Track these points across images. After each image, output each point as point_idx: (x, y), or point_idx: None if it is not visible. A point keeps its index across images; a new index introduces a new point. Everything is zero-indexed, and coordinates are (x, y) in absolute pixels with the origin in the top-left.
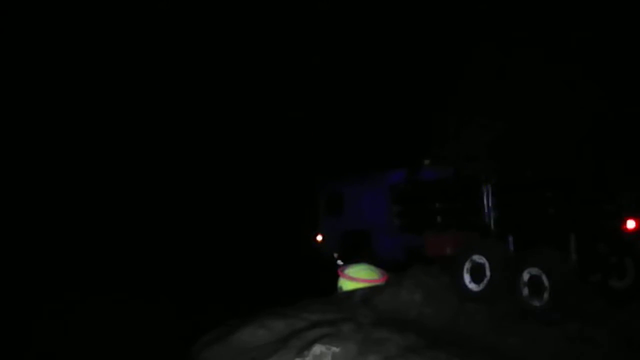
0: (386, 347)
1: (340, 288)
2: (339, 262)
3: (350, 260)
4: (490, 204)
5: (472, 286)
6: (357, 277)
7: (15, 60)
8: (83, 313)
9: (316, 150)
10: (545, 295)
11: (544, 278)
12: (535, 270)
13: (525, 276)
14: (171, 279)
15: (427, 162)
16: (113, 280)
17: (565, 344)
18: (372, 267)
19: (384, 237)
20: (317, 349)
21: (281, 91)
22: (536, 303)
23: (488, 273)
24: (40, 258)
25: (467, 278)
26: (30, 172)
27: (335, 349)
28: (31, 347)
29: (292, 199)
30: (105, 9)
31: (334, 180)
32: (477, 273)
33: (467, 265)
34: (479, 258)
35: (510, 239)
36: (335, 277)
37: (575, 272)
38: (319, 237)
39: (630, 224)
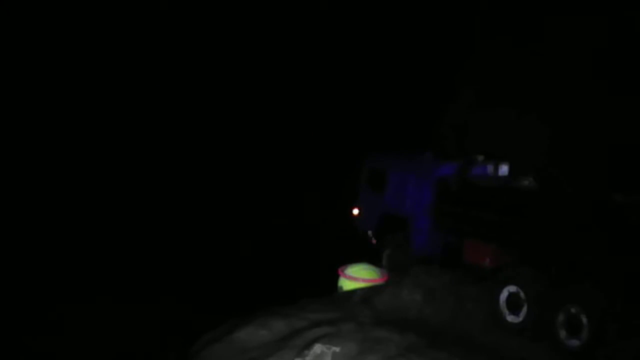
0: (386, 347)
1: (341, 287)
2: (373, 240)
3: (383, 242)
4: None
5: (511, 318)
6: (357, 277)
7: (15, 60)
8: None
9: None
10: (584, 336)
11: (584, 318)
12: (575, 308)
13: (563, 315)
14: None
15: (480, 158)
16: (113, 281)
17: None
18: (373, 267)
19: (422, 229)
20: (318, 348)
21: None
22: (574, 342)
23: (525, 305)
24: (33, 259)
25: (504, 307)
26: (29, 173)
27: (335, 349)
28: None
29: (336, 167)
30: (105, 8)
31: (381, 155)
32: (514, 304)
33: (504, 295)
34: (514, 288)
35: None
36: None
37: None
38: (356, 211)
39: None
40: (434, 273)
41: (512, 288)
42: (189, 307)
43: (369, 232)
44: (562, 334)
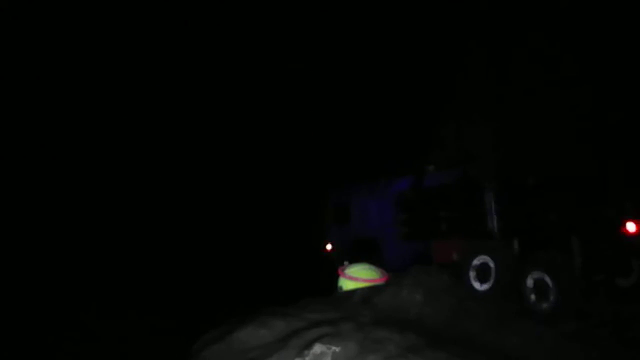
0: (386, 347)
1: (341, 288)
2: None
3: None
4: (493, 210)
5: (478, 285)
6: (357, 277)
7: (15, 60)
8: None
9: (323, 159)
10: (552, 298)
11: (549, 280)
12: (540, 273)
13: (530, 280)
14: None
15: (431, 168)
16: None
17: (565, 343)
18: (373, 267)
19: (392, 244)
20: (318, 348)
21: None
22: (543, 305)
23: (494, 274)
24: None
25: (473, 277)
26: (26, 174)
27: (335, 349)
28: None
29: (301, 210)
30: (104, 8)
31: (341, 190)
32: (483, 273)
33: (474, 265)
34: (485, 259)
35: (515, 242)
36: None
37: (580, 273)
38: (329, 246)
39: (631, 227)
40: (433, 273)
41: (483, 257)
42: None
43: (345, 263)
44: (532, 298)
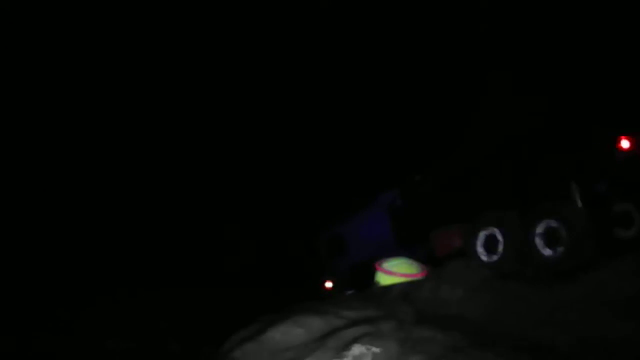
0: (429, 347)
1: (378, 282)
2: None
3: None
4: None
5: (486, 257)
6: (395, 271)
7: (14, 60)
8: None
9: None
10: (563, 244)
11: (559, 225)
12: (548, 222)
13: (540, 229)
14: None
15: (417, 177)
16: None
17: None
18: (411, 261)
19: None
20: (357, 349)
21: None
22: (553, 254)
23: (502, 243)
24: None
25: (481, 251)
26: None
27: (375, 350)
28: None
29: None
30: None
31: (331, 225)
32: (491, 245)
33: (481, 239)
34: (491, 230)
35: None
36: None
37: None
38: (328, 284)
39: (625, 144)
40: (473, 267)
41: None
42: None
43: (348, 293)
44: (541, 248)
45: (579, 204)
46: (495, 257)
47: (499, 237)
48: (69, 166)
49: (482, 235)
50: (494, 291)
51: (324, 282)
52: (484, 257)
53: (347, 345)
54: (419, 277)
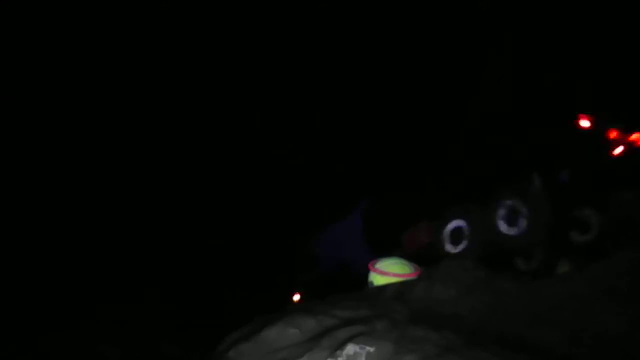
0: (423, 347)
1: (371, 282)
2: None
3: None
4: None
5: (451, 248)
6: (388, 271)
7: (14, 60)
8: None
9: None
10: (521, 222)
11: (519, 204)
12: (510, 201)
13: (501, 210)
14: None
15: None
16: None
17: (609, 339)
18: (404, 261)
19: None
20: (351, 348)
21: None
22: (513, 231)
23: (467, 231)
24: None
25: (447, 242)
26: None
27: (369, 349)
28: None
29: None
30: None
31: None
32: (457, 235)
33: (447, 231)
34: (458, 223)
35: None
36: None
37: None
38: (296, 297)
39: (584, 123)
40: (467, 266)
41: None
42: None
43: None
44: (503, 225)
45: (539, 186)
46: (461, 247)
47: (465, 228)
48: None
49: (448, 228)
50: (488, 290)
51: (292, 294)
52: (451, 249)
53: (341, 345)
54: (412, 276)
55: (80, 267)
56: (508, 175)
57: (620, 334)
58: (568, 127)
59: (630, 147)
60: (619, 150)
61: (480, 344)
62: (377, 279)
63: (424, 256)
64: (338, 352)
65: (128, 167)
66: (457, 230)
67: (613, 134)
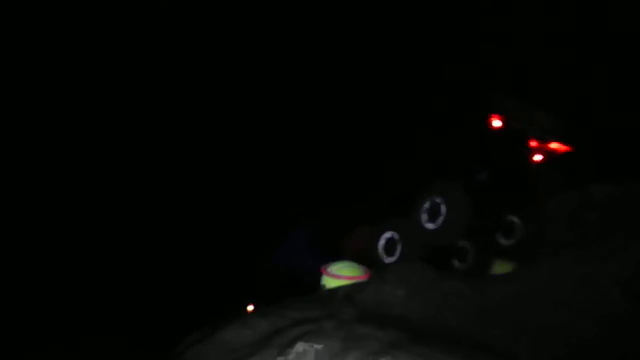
0: (369, 343)
1: (324, 286)
2: None
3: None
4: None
5: (386, 258)
6: (339, 275)
7: (14, 60)
8: None
9: None
10: (440, 217)
11: (440, 200)
12: (432, 198)
13: (425, 206)
14: None
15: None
16: None
17: (547, 335)
18: (355, 264)
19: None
20: (300, 346)
21: None
22: (431, 226)
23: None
24: None
25: (381, 252)
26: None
27: (317, 346)
28: None
29: None
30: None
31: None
32: (391, 246)
33: (382, 242)
34: (391, 234)
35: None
36: None
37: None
38: (250, 307)
39: (496, 123)
40: (417, 269)
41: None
42: None
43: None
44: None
45: (457, 184)
46: (396, 256)
47: (396, 237)
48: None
49: (381, 241)
50: (436, 290)
51: (246, 305)
52: (385, 259)
53: (290, 343)
54: (363, 279)
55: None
56: (432, 176)
57: (557, 327)
58: (480, 127)
59: (549, 156)
60: (538, 157)
61: (424, 341)
62: (329, 282)
63: (364, 262)
64: (288, 350)
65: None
66: (389, 242)
67: (533, 142)
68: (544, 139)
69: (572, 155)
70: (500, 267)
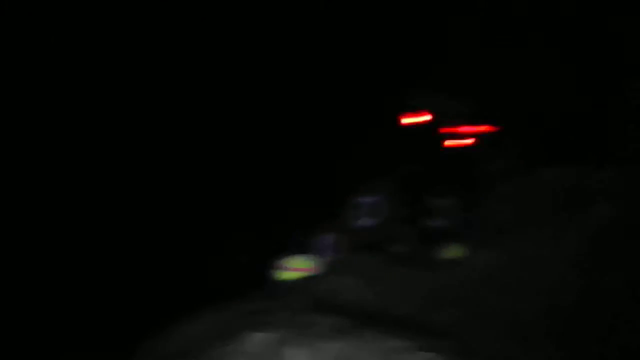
0: (318, 330)
1: (279, 278)
2: None
3: None
4: None
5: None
6: (294, 267)
7: (14, 60)
8: None
9: None
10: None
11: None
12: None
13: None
14: None
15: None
16: None
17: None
18: (309, 257)
19: None
20: (249, 335)
21: None
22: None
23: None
24: None
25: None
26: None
27: (268, 334)
28: None
29: None
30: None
31: None
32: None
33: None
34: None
35: None
36: None
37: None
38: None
39: (405, 120)
40: (366, 259)
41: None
42: None
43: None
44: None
45: (388, 181)
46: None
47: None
48: None
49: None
50: (390, 278)
51: (203, 301)
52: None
53: (240, 333)
54: (317, 270)
55: None
56: (362, 177)
57: (502, 309)
58: (395, 126)
59: (461, 139)
60: (450, 142)
61: (370, 326)
62: (284, 275)
63: None
64: (238, 338)
65: None
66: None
67: (443, 129)
68: (454, 124)
69: (500, 136)
70: (451, 251)
